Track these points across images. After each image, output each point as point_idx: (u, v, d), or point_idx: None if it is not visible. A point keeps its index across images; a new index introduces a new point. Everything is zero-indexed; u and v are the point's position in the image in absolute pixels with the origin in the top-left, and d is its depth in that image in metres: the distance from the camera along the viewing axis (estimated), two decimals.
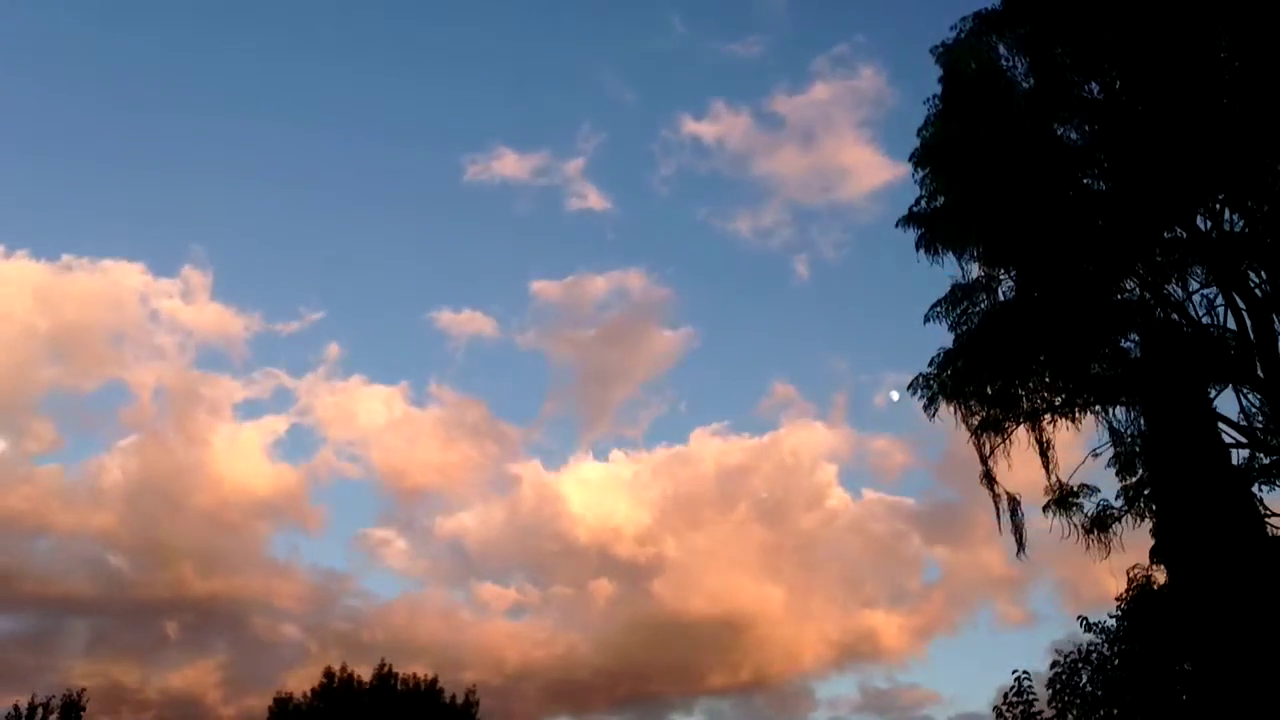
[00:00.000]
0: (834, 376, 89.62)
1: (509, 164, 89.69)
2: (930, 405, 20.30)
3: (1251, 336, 17.66)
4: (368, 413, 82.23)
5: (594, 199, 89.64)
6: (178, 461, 72.25)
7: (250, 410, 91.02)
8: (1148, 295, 19.13)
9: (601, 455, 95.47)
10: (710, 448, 77.35)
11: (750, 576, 67.77)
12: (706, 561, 68.79)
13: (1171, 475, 17.03)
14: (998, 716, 17.50)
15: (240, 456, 74.54)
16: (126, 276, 78.19)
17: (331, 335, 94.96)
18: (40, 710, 29.95)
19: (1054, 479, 19.84)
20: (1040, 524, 19.94)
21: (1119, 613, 17.69)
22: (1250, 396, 18.44)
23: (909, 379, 20.51)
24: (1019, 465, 20.17)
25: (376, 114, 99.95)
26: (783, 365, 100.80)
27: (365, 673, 37.80)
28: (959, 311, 20.06)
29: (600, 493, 74.43)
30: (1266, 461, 18.45)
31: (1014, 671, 17.84)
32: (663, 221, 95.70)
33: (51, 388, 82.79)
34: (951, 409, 20.15)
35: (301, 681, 38.92)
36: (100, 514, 67.49)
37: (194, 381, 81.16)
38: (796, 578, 69.46)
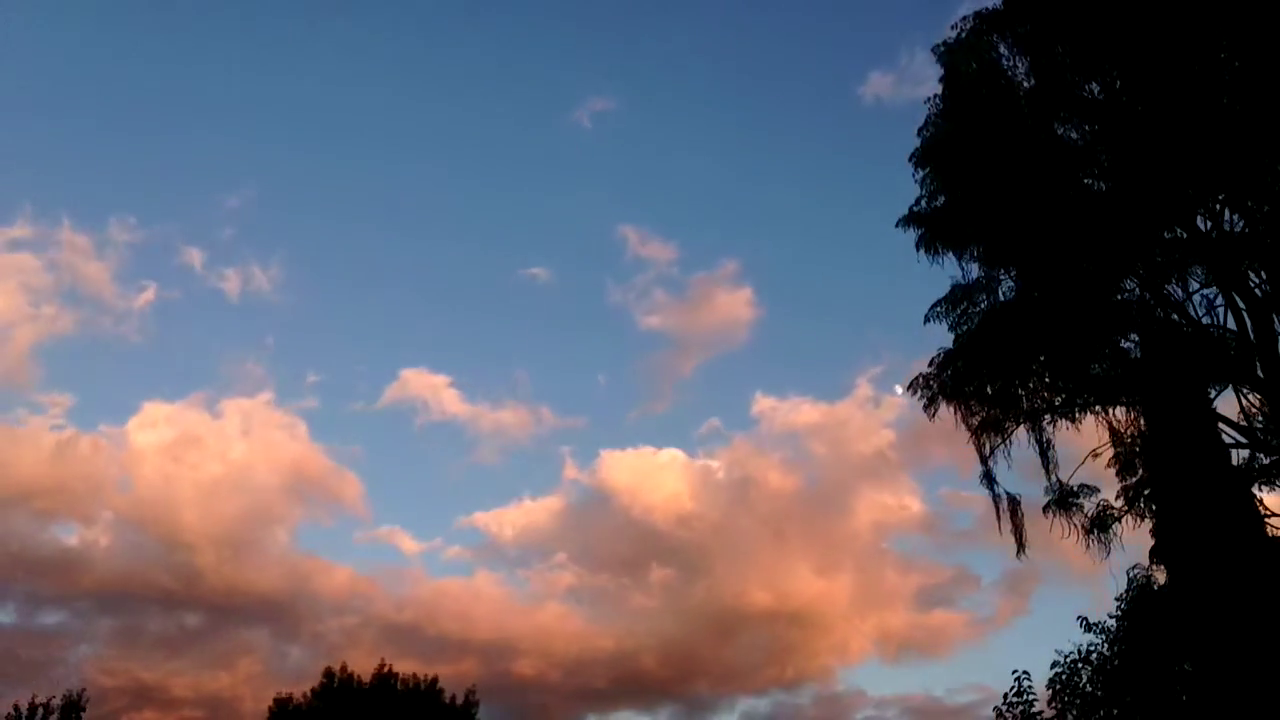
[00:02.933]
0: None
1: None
2: (930, 405, 20.33)
3: (1251, 337, 17.64)
4: (417, 395, 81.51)
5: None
6: (210, 442, 71.17)
7: (293, 390, 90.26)
8: (1148, 295, 19.11)
9: (658, 437, 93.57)
10: (778, 422, 75.38)
11: (807, 567, 66.31)
12: (761, 549, 67.37)
13: (1171, 475, 17.02)
14: (998, 717, 17.47)
15: (283, 440, 73.68)
16: None
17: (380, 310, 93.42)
18: (41, 710, 29.92)
19: (1054, 479, 19.86)
20: (1042, 524, 19.99)
21: (1119, 613, 17.66)
22: (1250, 397, 18.44)
23: None
24: (1019, 465, 20.22)
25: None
26: (871, 326, 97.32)
27: (365, 672, 37.81)
28: (959, 311, 20.05)
29: (656, 477, 73.10)
30: (1266, 461, 18.44)
31: (1014, 672, 17.83)
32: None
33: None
34: (951, 409, 20.18)
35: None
36: (123, 497, 66.21)
37: (230, 360, 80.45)
38: (855, 567, 67.63)
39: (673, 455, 76.99)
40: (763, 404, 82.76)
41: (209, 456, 71.77)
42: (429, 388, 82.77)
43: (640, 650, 58.69)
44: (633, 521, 72.23)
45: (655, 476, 74.51)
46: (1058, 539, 19.65)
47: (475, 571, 76.55)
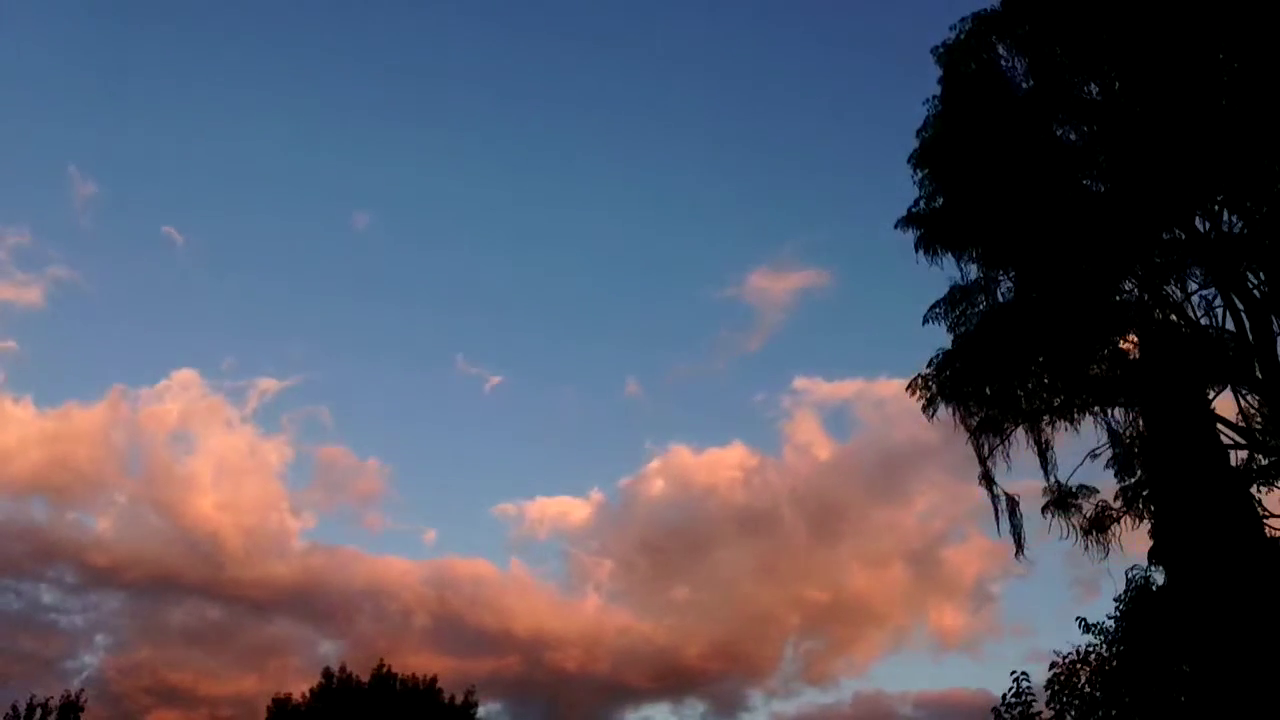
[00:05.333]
0: None
1: None
2: (929, 406, 20.33)
3: (1250, 338, 17.65)
4: (459, 382, 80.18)
5: None
6: (234, 427, 69.73)
7: (327, 372, 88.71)
8: (1146, 296, 19.12)
9: (713, 421, 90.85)
10: (836, 405, 72.83)
11: (859, 558, 64.28)
12: (813, 540, 65.61)
13: (1170, 476, 17.02)
14: (996, 718, 17.45)
15: (312, 426, 71.93)
16: None
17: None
18: (39, 710, 29.90)
19: (1052, 480, 19.87)
20: (1040, 524, 20.00)
21: (1117, 614, 17.65)
22: (1249, 397, 18.46)
23: None
24: (1018, 465, 20.23)
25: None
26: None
27: (364, 673, 37.79)
28: (958, 312, 20.05)
29: (707, 465, 71.36)
30: (1265, 462, 18.42)
31: (1012, 673, 17.82)
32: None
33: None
34: (950, 410, 20.19)
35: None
36: (144, 485, 64.65)
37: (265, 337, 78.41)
38: (909, 559, 65.60)
39: (730, 440, 75.52)
40: (820, 387, 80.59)
41: (233, 441, 70.72)
42: (471, 373, 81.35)
43: (682, 645, 58.13)
44: (679, 512, 70.98)
45: (706, 463, 72.98)
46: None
47: (511, 564, 75.86)
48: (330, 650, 57.80)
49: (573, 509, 74.82)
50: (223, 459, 69.18)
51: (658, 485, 73.02)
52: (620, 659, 56.51)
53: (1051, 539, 19.76)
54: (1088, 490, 19.84)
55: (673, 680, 55.36)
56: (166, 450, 68.71)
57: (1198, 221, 18.61)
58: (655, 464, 74.86)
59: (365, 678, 37.35)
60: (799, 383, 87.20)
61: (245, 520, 64.56)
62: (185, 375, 74.05)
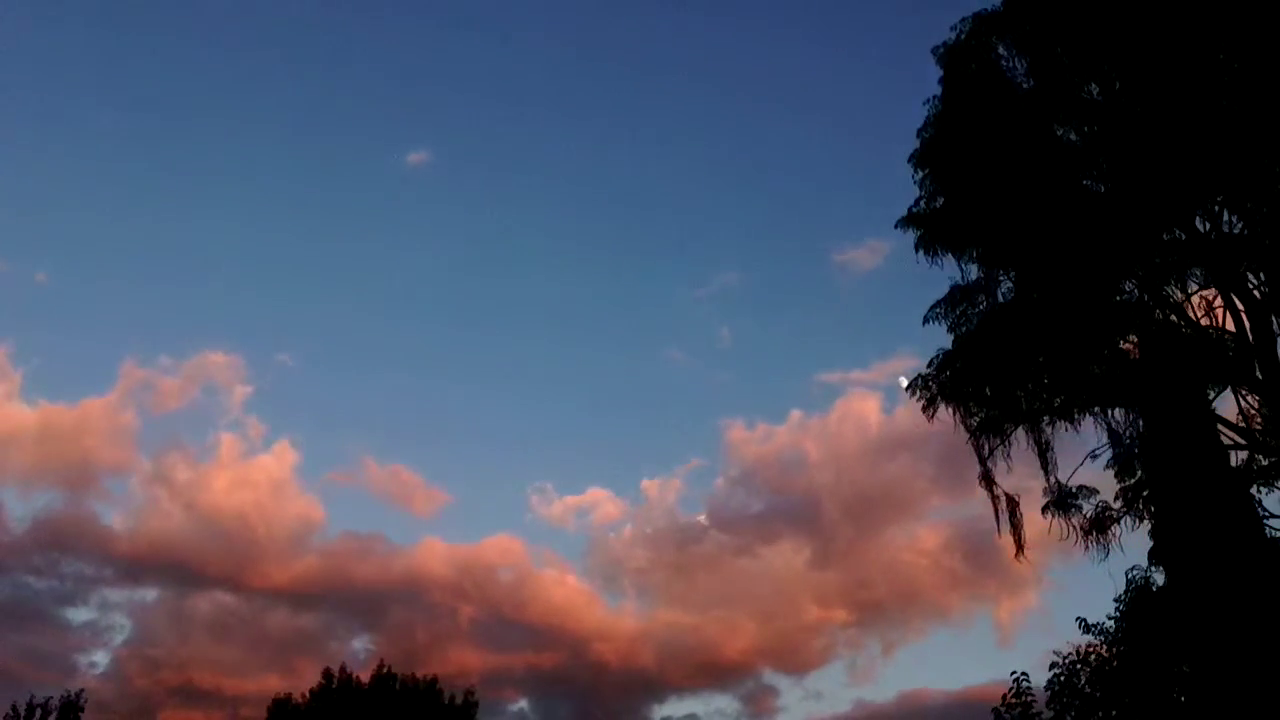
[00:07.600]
0: None
1: None
2: (929, 406, 20.32)
3: (1250, 338, 17.66)
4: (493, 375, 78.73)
5: None
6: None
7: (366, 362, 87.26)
8: (1147, 297, 19.12)
9: (766, 411, 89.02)
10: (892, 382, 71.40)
11: (912, 548, 62.71)
12: (866, 528, 63.72)
13: (1170, 477, 17.02)
14: (996, 718, 17.44)
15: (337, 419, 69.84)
16: None
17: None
18: (39, 710, 29.83)
19: (1053, 480, 19.86)
20: (1040, 525, 20.01)
21: (1118, 614, 17.65)
22: (1249, 398, 18.47)
23: None
24: (1018, 466, 20.22)
25: None
26: None
27: (364, 673, 37.86)
28: (958, 313, 20.04)
29: (754, 453, 69.66)
30: (1265, 463, 18.46)
31: (1012, 673, 17.82)
32: None
33: None
34: (950, 410, 20.18)
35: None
36: (159, 471, 63.07)
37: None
38: (970, 545, 62.66)
39: (783, 418, 73.56)
40: (876, 368, 78.79)
41: (257, 427, 69.81)
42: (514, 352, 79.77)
43: (723, 640, 57.53)
44: (724, 498, 69.55)
45: (756, 442, 71.28)
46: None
47: (543, 557, 75.29)
48: (360, 646, 57.19)
49: (609, 500, 74.05)
50: (245, 445, 68.22)
51: (702, 470, 71.75)
52: (658, 653, 56.06)
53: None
54: (1088, 490, 19.87)
55: (709, 676, 54.92)
56: (186, 437, 67.77)
57: (1198, 222, 18.62)
58: (701, 446, 73.38)
59: (366, 677, 37.39)
60: (854, 364, 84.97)
61: (270, 509, 63.63)
62: (205, 357, 72.47)
